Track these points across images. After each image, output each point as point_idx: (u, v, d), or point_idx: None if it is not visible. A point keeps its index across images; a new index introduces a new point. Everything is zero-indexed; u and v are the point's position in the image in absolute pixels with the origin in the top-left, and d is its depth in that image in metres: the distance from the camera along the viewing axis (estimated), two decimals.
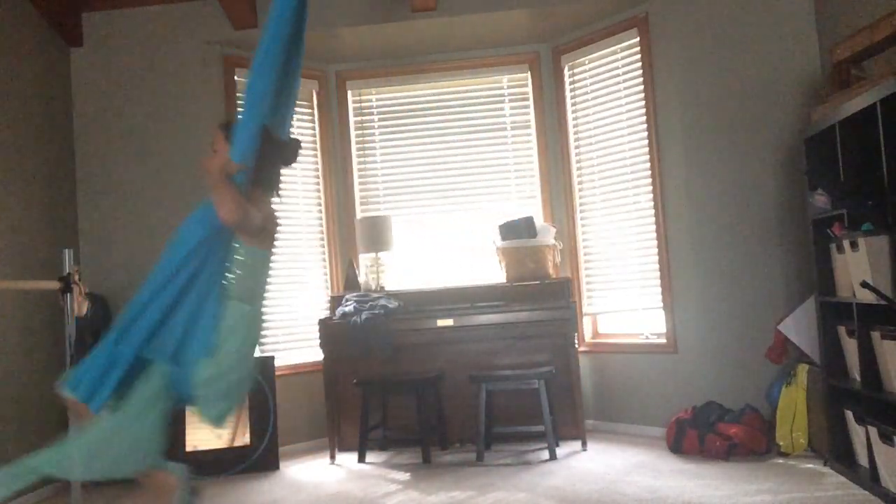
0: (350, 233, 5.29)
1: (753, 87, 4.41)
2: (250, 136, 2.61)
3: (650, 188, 4.72)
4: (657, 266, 4.69)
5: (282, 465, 4.55)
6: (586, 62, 5.10)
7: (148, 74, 4.81)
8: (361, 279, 5.16)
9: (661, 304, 4.67)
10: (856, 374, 3.46)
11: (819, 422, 3.87)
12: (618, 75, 4.92)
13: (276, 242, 2.82)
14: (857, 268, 3.27)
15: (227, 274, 2.66)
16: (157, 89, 4.81)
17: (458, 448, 4.72)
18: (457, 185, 5.35)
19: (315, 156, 5.33)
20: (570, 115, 5.20)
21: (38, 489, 4.15)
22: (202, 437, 4.48)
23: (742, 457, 4.00)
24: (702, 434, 4.11)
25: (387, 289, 5.03)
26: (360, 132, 5.44)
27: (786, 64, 4.38)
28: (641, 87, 4.76)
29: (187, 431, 4.47)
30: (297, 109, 5.21)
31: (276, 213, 2.83)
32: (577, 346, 4.50)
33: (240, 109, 3.27)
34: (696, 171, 4.49)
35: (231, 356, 2.58)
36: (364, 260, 5.22)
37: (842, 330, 3.61)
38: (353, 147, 5.41)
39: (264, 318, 2.93)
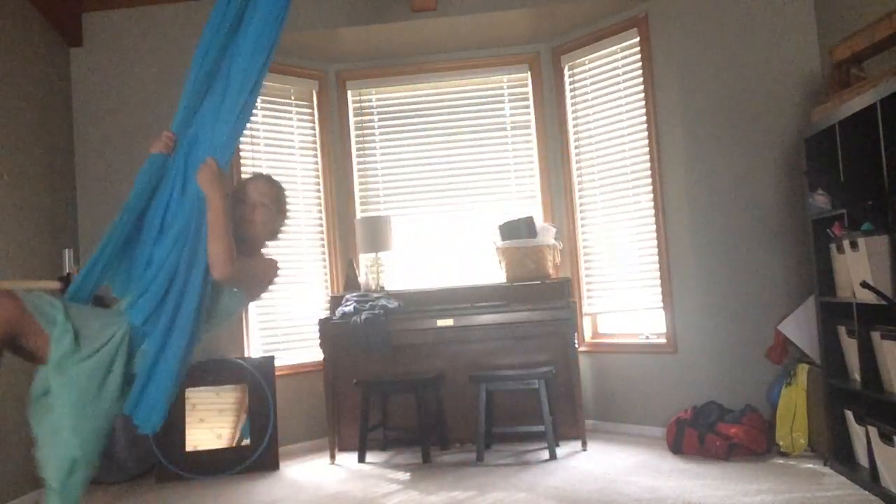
0: (350, 233, 5.29)
1: (753, 87, 4.41)
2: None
3: (650, 188, 4.72)
4: (657, 266, 4.68)
5: (282, 465, 4.55)
6: (586, 62, 5.10)
7: (148, 74, 4.81)
8: (361, 279, 5.16)
9: (661, 304, 4.67)
10: (856, 374, 3.46)
11: (819, 422, 3.86)
12: (618, 75, 4.91)
13: None
14: (857, 268, 3.27)
15: None
16: (157, 89, 4.80)
17: (458, 448, 4.72)
18: (457, 185, 5.35)
19: (315, 156, 5.33)
20: (570, 115, 5.20)
21: (37, 489, 4.15)
22: (202, 436, 4.48)
23: (742, 457, 4.00)
24: (702, 434, 4.11)
25: (387, 289, 5.02)
26: (360, 132, 5.43)
27: (786, 64, 4.37)
28: (641, 87, 4.75)
29: (187, 431, 4.47)
30: (297, 109, 5.29)
31: None
32: (576, 345, 4.49)
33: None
34: (695, 171, 4.49)
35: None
36: (364, 260, 5.22)
37: (842, 330, 3.61)
38: (353, 147, 5.41)
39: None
